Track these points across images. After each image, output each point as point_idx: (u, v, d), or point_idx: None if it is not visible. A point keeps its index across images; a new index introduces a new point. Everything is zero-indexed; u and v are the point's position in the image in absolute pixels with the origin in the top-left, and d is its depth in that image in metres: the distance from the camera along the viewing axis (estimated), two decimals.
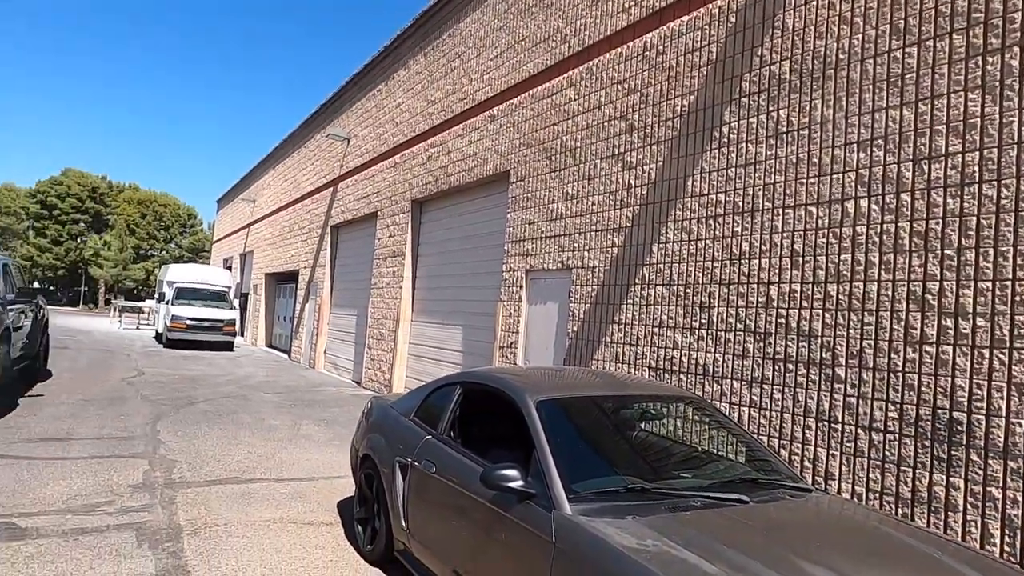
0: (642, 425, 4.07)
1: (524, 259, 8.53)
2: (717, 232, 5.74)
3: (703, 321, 5.78)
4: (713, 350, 5.64)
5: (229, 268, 29.92)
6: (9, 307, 8.35)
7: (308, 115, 19.87)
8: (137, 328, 28.83)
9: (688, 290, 5.97)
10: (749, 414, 5.24)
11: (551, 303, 8.07)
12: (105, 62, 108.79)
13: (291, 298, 21.69)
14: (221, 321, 19.92)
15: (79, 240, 68.76)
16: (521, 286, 8.54)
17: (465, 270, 10.47)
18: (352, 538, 4.54)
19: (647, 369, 6.34)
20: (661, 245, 6.32)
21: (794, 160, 5.13)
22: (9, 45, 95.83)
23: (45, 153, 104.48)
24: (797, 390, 4.88)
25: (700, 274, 5.86)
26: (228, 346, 20.32)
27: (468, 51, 10.65)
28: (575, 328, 7.39)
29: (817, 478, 4.63)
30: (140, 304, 33.56)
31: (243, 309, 26.13)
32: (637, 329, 6.51)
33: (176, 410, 9.05)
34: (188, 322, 19.27)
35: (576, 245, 7.55)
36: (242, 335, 23.72)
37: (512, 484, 2.73)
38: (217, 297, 21.28)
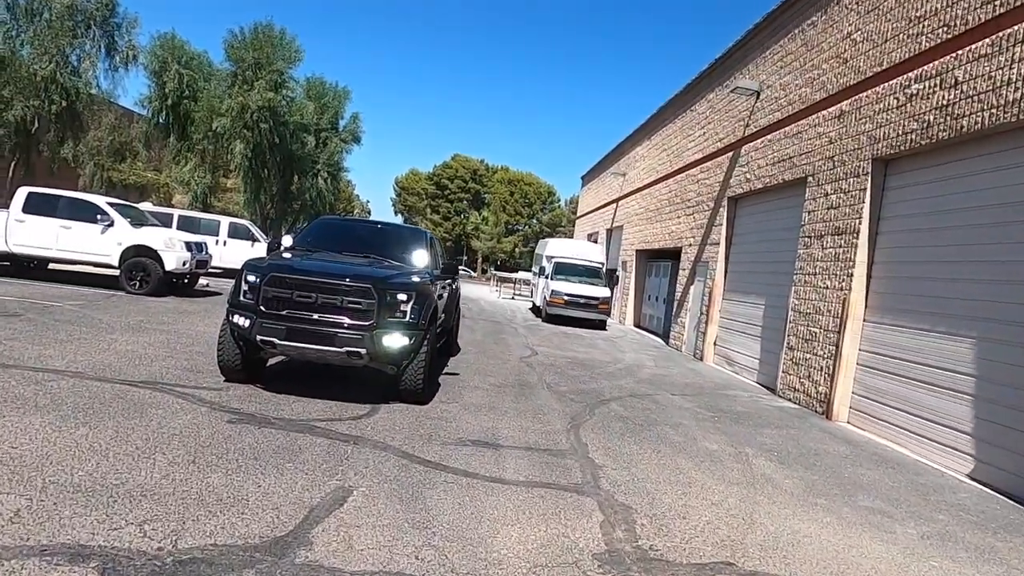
0: None
1: None
2: None
3: None
4: None
5: (594, 243, 29.87)
6: (435, 281, 7.94)
7: (695, 75, 17.70)
8: (513, 298, 30.77)
9: None
10: None
11: None
12: (483, 60, 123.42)
13: (664, 277, 20.11)
14: (596, 299, 19.29)
15: (462, 216, 79.31)
16: None
17: (990, 255, 7.08)
18: None
19: None
20: None
21: None
22: (425, 53, 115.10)
23: (440, 141, 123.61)
24: None
25: None
26: (602, 325, 19.66)
27: None
28: None
29: None
30: (513, 275, 36.09)
31: (609, 286, 25.62)
32: None
33: (590, 411, 7.77)
34: (566, 298, 19.06)
35: None
36: (608, 314, 23.03)
37: None
38: (592, 273, 20.80)
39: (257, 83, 21.42)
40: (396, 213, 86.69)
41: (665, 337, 18.26)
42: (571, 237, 39.49)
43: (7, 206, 14.08)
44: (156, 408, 5.58)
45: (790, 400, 10.32)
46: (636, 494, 4.97)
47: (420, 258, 7.79)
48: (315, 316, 6.34)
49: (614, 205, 27.18)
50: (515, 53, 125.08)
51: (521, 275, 35.99)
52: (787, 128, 11.77)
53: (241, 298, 6.56)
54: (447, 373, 8.99)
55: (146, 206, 20.66)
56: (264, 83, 21.32)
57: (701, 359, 14.54)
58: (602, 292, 19.64)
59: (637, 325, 22.59)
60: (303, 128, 24.55)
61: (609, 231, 28.12)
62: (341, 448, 5.15)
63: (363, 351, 6.35)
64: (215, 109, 21.32)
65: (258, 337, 6.34)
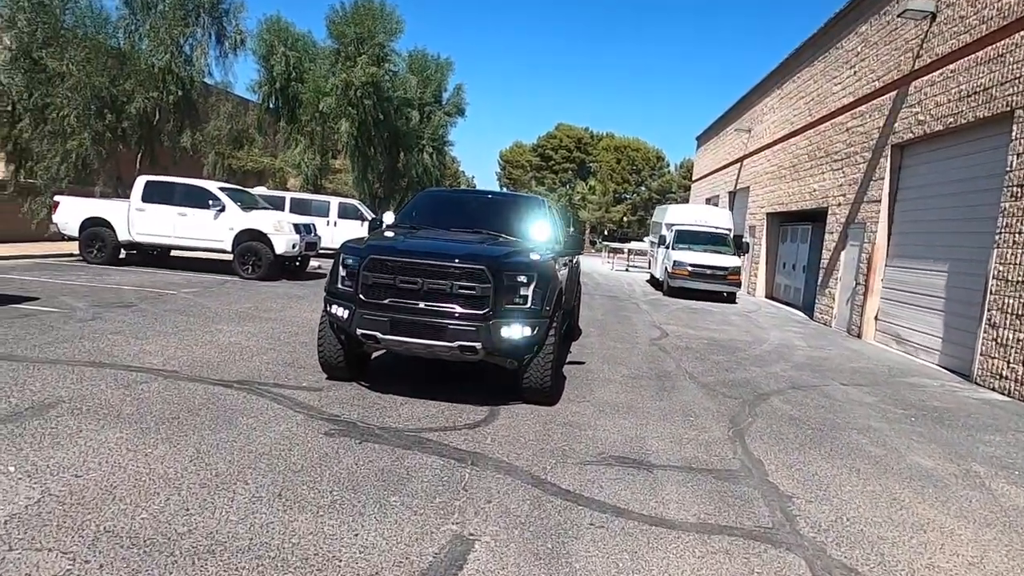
0: None
1: None
2: None
3: None
4: None
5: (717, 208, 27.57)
6: (558, 259, 6.79)
7: (843, 6, 15.21)
8: (627, 270, 29.18)
9: None
10: None
11: None
12: (584, 23, 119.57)
13: (803, 242, 17.88)
14: (725, 269, 17.43)
15: (567, 187, 77.71)
16: None
17: None
18: None
19: None
20: None
21: None
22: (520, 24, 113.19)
23: (543, 111, 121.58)
24: None
25: None
26: (731, 298, 17.80)
27: None
28: None
29: None
30: (625, 245, 34.36)
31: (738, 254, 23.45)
32: None
33: (750, 410, 6.38)
34: (690, 269, 17.35)
35: None
36: (739, 285, 20.96)
37: None
38: (718, 241, 18.88)
39: (359, 58, 21.01)
40: (501, 187, 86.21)
41: (807, 310, 16.18)
42: (684, 203, 37.03)
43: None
44: (247, 416, 4.84)
45: (996, 390, 8.35)
46: (854, 544, 3.61)
47: (540, 231, 6.63)
48: (421, 305, 5.38)
49: (737, 165, 24.80)
50: (617, 12, 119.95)
51: (633, 245, 34.21)
52: (979, 53, 9.50)
53: (339, 285, 5.72)
54: (572, 362, 7.86)
55: (260, 190, 20.94)
56: (366, 58, 20.87)
57: (859, 336, 12.53)
58: (731, 261, 17.75)
59: (770, 297, 20.44)
60: (407, 103, 24.05)
61: (732, 194, 25.78)
62: (457, 472, 4.15)
63: (478, 345, 5.32)
64: (320, 89, 21.21)
65: (358, 331, 5.48)
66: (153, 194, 13.73)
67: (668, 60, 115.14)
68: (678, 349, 9.58)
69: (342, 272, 5.70)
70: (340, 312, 5.58)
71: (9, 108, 18.22)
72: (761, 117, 22.22)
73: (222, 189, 13.85)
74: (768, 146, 20.71)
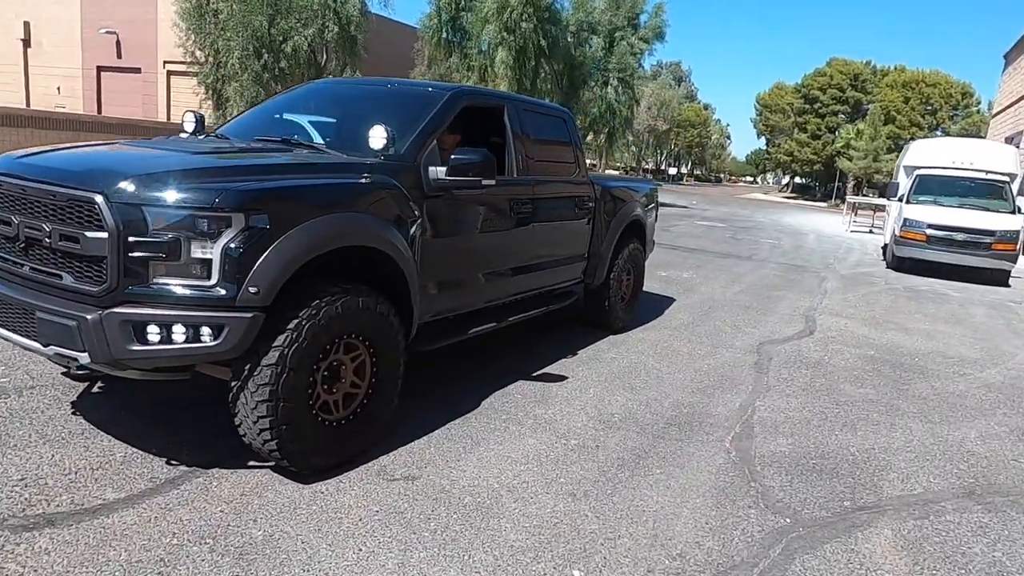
0: None
1: None
2: None
3: None
4: None
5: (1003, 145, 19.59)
6: (392, 190, 3.60)
7: None
8: (869, 231, 22.59)
9: None
10: None
11: None
12: None
13: None
14: (990, 234, 11.49)
15: (835, 133, 66.22)
16: None
17: None
18: None
19: None
20: None
21: None
22: None
23: (813, 47, 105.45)
24: None
25: None
26: (1001, 278, 11.81)
27: None
28: None
29: None
30: (878, 200, 26.89)
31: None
32: None
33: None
34: (928, 232, 11.76)
35: None
36: (1014, 259, 14.02)
37: None
38: (986, 192, 12.67)
39: None
40: (758, 136, 77.04)
41: None
42: None
43: None
44: None
45: None
46: None
47: (376, 138, 3.43)
48: (26, 268, 2.81)
49: None
50: None
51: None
52: None
53: None
54: (532, 378, 4.61)
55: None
56: None
57: None
58: (1002, 222, 11.65)
59: None
60: (589, 28, 20.70)
61: None
62: None
63: (83, 356, 2.60)
64: (481, 15, 19.00)
65: None
66: None
67: None
68: (794, 366, 5.56)
69: None
70: None
71: (211, 59, 19.18)
72: None
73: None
74: None
